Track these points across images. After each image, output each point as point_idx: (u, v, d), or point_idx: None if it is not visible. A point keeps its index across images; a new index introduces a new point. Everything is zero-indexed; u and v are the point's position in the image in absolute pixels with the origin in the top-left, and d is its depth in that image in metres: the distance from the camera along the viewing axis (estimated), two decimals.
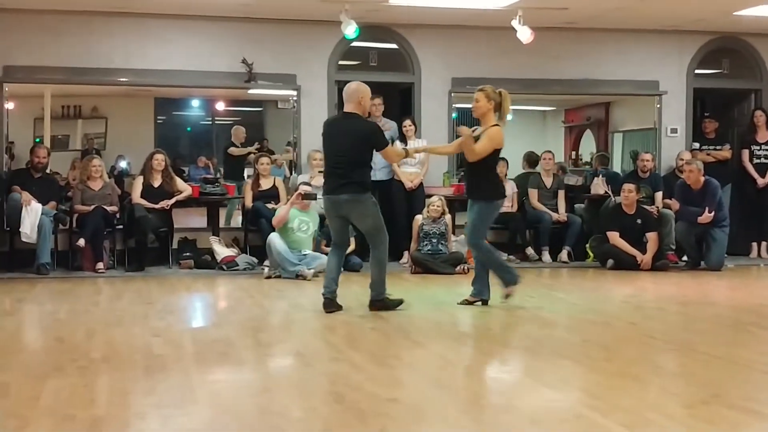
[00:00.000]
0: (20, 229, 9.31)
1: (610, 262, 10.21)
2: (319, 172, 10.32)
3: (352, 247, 9.61)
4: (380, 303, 7.15)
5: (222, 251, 10.00)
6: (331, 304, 7.05)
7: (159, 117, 14.15)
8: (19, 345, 6.19)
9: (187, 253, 10.08)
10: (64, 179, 10.93)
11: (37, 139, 12.28)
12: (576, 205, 11.52)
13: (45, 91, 12.47)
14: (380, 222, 7.11)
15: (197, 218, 11.07)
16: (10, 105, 10.54)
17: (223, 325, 6.68)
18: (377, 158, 10.46)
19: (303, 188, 9.42)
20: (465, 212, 11.84)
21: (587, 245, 10.83)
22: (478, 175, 7.39)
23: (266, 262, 9.55)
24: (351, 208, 7.00)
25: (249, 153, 12.26)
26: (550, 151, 11.46)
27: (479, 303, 7.44)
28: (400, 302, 7.26)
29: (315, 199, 9.20)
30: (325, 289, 7.07)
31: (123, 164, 12.28)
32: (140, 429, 4.05)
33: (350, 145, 6.99)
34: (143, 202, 9.87)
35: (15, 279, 9.08)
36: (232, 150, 12.44)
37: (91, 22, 10.30)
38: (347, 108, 7.16)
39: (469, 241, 7.62)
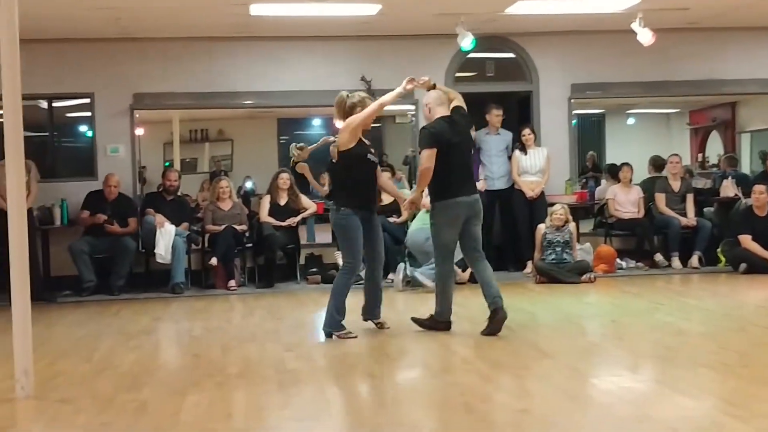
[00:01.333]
0: (155, 251, 9.67)
1: (743, 266, 9.87)
2: None
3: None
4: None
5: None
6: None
7: (282, 137, 14.50)
8: (158, 362, 6.43)
9: (314, 269, 10.28)
10: (194, 201, 11.30)
11: (167, 163, 12.78)
12: (705, 209, 11.19)
13: (173, 117, 12.99)
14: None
15: (322, 234, 11.29)
16: (140, 131, 10.99)
17: (350, 339, 6.76)
18: (495, 167, 10.52)
19: None
20: (588, 220, 11.80)
21: (718, 249, 10.49)
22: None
23: (390, 276, 9.60)
24: None
25: None
26: (677, 155, 11.17)
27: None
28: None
29: None
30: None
31: (249, 184, 12.62)
32: None
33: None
34: (271, 220, 10.12)
35: (151, 299, 9.43)
36: None
37: (215, 47, 10.65)
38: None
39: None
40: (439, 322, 6.84)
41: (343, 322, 6.70)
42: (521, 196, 10.42)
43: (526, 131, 10.58)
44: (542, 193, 10.48)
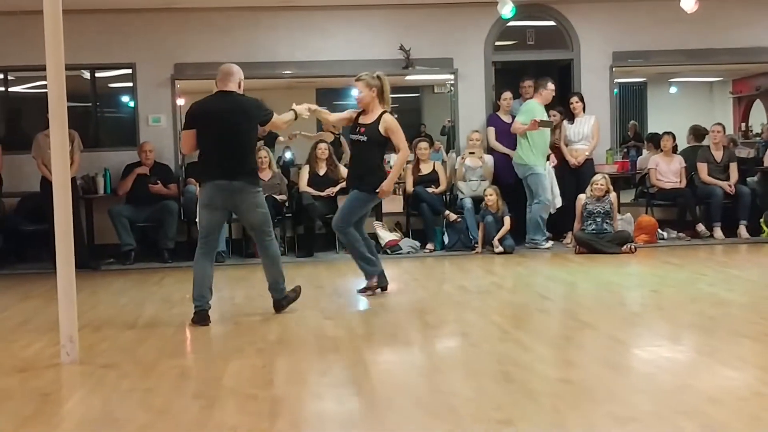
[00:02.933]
0: (197, 220, 9.73)
1: None
2: (470, 153, 10.38)
3: (507, 227, 9.66)
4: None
5: (386, 236, 10.18)
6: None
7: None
8: (200, 329, 6.46)
9: None
10: None
11: None
12: (748, 179, 11.04)
13: (214, 87, 13.01)
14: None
15: None
16: (181, 101, 11.05)
17: (390, 308, 6.81)
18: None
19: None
20: (629, 190, 11.70)
21: (761, 220, 10.36)
22: (364, 166, 7.14)
23: (429, 246, 9.58)
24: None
25: None
26: (720, 124, 10.99)
27: (379, 290, 7.25)
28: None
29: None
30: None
31: (288, 155, 12.65)
32: (318, 408, 4.21)
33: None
34: (310, 190, 10.16)
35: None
36: None
37: (257, 17, 10.67)
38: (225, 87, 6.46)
39: (335, 226, 7.26)
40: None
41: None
42: (566, 165, 10.33)
43: (574, 99, 10.46)
44: (591, 162, 10.37)
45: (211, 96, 6.53)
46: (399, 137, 7.10)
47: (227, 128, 6.31)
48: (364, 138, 7.10)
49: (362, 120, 7.17)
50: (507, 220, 9.76)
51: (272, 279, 6.60)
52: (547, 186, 10.00)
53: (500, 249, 9.59)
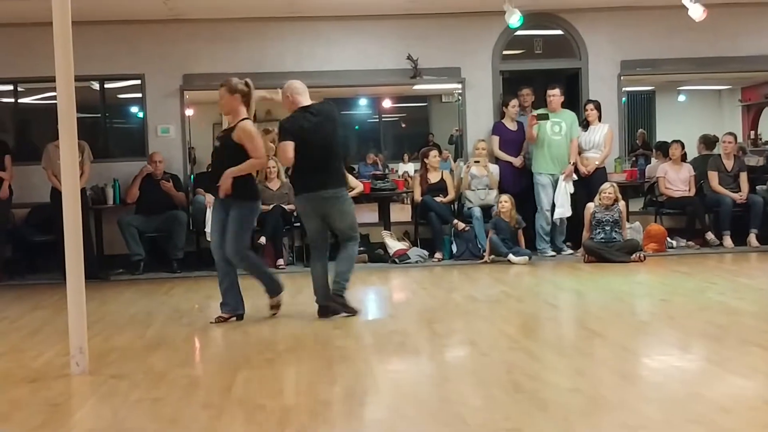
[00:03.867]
0: (206, 230, 9.76)
1: None
2: (475, 162, 10.38)
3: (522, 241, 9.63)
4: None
5: (394, 245, 10.18)
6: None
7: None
8: (209, 339, 6.52)
9: (361, 248, 10.29)
10: None
11: None
12: (758, 187, 10.99)
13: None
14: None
15: (369, 213, 11.32)
16: (190, 111, 11.10)
17: (399, 317, 6.81)
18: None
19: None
20: (638, 198, 11.67)
21: None
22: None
23: (437, 255, 9.57)
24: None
25: None
26: (731, 134, 10.93)
27: (234, 319, 6.76)
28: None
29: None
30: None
31: None
32: (327, 417, 4.20)
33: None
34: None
35: (202, 277, 9.54)
36: None
37: (264, 27, 10.71)
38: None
39: (230, 254, 6.64)
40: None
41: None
42: (578, 174, 10.29)
43: (590, 106, 10.44)
44: (603, 170, 10.33)
45: (301, 111, 6.73)
46: (251, 144, 6.61)
47: (320, 142, 6.65)
48: (217, 143, 6.91)
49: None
50: (520, 233, 9.74)
51: (340, 269, 6.76)
52: (543, 197, 10.10)
53: (516, 260, 9.53)
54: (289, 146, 6.59)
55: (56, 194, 8.69)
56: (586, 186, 10.17)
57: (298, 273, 9.57)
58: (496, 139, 10.62)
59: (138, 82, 10.67)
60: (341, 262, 6.84)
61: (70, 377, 5.09)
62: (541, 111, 10.07)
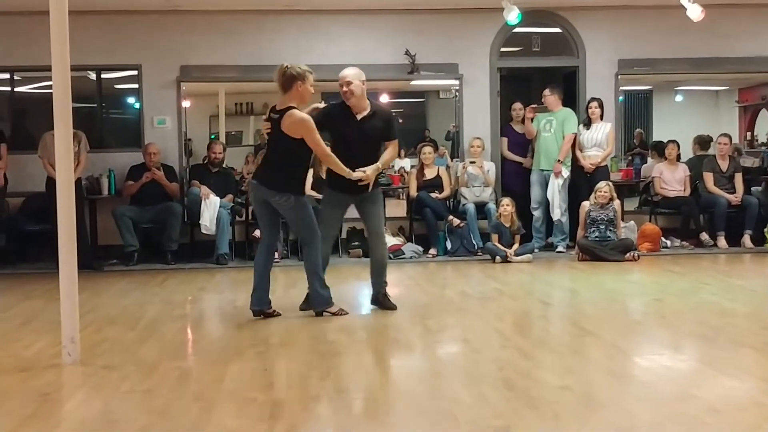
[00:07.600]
0: (200, 222, 9.80)
1: None
2: (471, 162, 10.40)
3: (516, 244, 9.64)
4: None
5: (388, 240, 10.16)
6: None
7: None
8: (201, 332, 6.53)
9: (356, 243, 10.31)
10: (238, 173, 11.38)
11: (213, 136, 12.86)
12: (753, 188, 11.02)
13: (219, 90, 13.06)
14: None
15: None
16: (186, 103, 11.07)
17: (392, 313, 6.80)
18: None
19: None
20: (633, 198, 11.68)
21: (765, 229, 10.34)
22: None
23: (432, 251, 9.56)
24: None
25: None
26: (726, 135, 10.95)
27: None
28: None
29: None
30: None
31: None
32: (318, 412, 4.20)
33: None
34: (313, 193, 10.13)
35: (196, 269, 9.56)
36: None
37: (262, 20, 10.68)
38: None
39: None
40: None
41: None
42: (581, 171, 10.31)
43: (594, 104, 10.44)
44: (605, 169, 10.33)
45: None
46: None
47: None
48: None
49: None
50: (517, 239, 9.73)
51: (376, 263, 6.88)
52: (532, 193, 10.31)
53: (517, 259, 9.53)
54: None
55: (51, 184, 8.65)
56: (588, 184, 10.16)
57: (292, 267, 9.59)
58: (504, 140, 10.86)
59: (135, 72, 10.64)
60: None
61: (61, 367, 5.08)
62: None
